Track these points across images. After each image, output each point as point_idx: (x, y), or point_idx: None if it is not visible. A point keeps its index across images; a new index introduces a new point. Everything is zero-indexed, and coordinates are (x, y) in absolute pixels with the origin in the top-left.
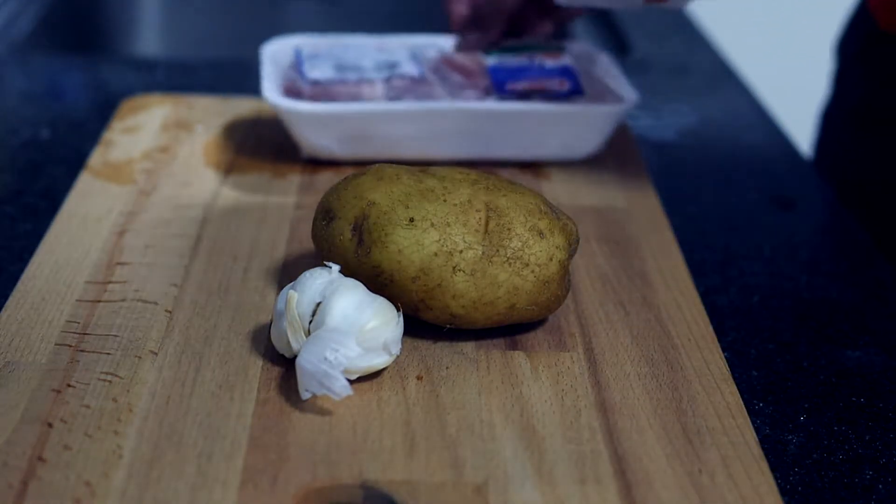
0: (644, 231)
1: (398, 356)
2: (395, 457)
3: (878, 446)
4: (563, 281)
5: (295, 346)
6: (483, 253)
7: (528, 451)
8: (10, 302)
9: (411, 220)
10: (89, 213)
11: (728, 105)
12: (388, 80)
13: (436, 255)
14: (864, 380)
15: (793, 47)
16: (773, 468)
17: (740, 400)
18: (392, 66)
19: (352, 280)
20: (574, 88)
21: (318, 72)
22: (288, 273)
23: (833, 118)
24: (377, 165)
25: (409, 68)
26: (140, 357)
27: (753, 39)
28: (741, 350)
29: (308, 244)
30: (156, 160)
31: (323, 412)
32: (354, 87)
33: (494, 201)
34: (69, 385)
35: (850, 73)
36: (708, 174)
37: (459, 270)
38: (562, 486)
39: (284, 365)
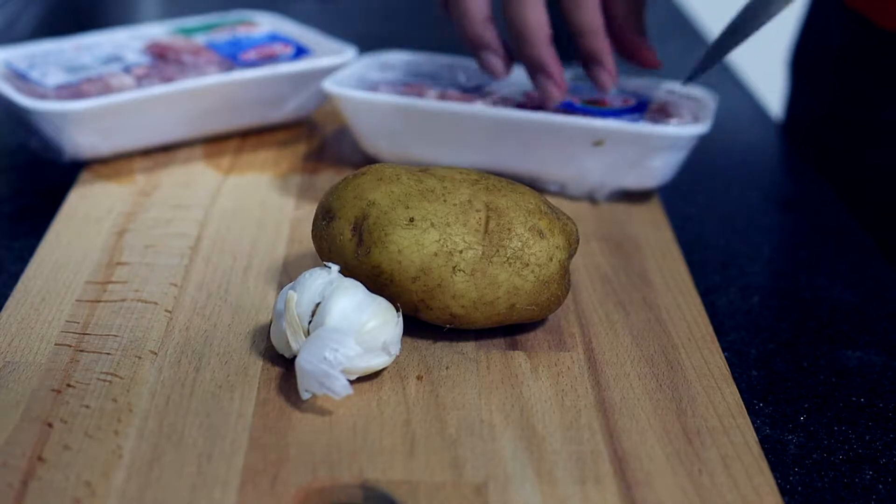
0: (644, 231)
1: (398, 356)
2: (395, 457)
3: (878, 446)
4: (563, 281)
5: (294, 346)
6: (483, 253)
7: (528, 451)
8: (10, 302)
9: (411, 220)
10: (89, 213)
11: (727, 104)
12: (128, 70)
13: (436, 255)
14: (864, 380)
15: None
16: (773, 468)
17: (740, 400)
18: (117, 58)
19: (351, 280)
20: (300, 49)
21: (52, 78)
22: (288, 273)
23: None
24: (377, 165)
25: (137, 58)
26: (140, 357)
27: (752, 38)
28: (741, 350)
29: (308, 244)
30: (156, 160)
31: (323, 412)
32: (102, 82)
33: (494, 201)
34: (69, 385)
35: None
36: (708, 174)
37: (459, 270)
38: (562, 486)
39: (284, 365)
